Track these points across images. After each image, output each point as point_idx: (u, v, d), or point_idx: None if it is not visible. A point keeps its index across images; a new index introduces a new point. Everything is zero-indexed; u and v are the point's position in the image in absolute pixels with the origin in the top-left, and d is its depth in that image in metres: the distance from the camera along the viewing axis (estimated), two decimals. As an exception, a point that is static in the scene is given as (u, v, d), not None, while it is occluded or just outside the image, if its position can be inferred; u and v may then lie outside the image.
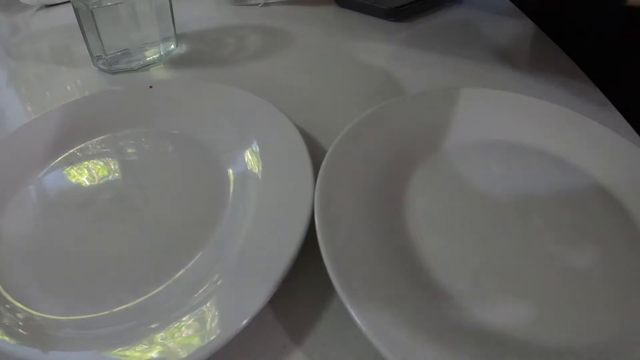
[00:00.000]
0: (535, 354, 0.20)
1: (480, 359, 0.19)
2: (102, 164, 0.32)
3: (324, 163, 0.27)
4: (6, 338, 0.21)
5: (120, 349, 0.20)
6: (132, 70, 0.44)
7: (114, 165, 0.32)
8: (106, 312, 0.23)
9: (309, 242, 0.24)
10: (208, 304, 0.22)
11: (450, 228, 0.25)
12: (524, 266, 0.23)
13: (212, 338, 0.20)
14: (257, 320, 0.23)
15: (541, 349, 0.20)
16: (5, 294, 0.24)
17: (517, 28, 0.50)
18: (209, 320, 0.21)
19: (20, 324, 0.22)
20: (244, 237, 0.25)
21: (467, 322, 0.21)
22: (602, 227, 0.26)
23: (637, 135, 0.33)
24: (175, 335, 0.20)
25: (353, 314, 0.19)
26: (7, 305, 0.23)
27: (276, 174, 0.29)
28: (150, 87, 0.37)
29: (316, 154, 0.29)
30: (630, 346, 0.20)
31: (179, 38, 0.47)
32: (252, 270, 0.23)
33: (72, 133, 0.34)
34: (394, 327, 0.20)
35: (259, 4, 0.56)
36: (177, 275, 0.24)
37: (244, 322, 0.20)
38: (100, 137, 0.34)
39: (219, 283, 0.23)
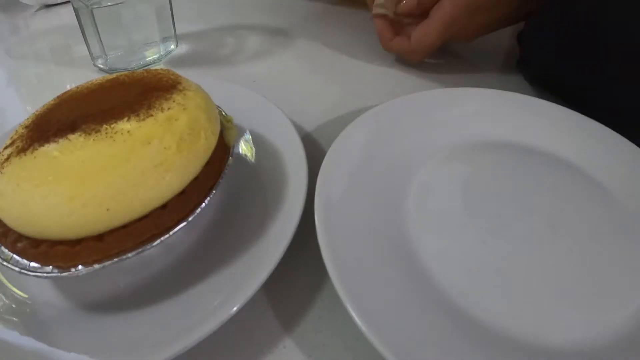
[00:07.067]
0: (535, 354, 0.20)
1: (479, 358, 0.19)
2: None
3: (324, 163, 0.27)
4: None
5: None
6: (132, 70, 0.44)
7: None
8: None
9: (306, 238, 0.24)
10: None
11: (450, 228, 0.25)
12: (524, 266, 0.23)
13: (203, 326, 0.20)
14: (256, 320, 0.23)
15: (540, 349, 0.20)
16: None
17: (516, 28, 0.50)
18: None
19: None
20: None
21: (467, 322, 0.21)
22: (604, 227, 0.26)
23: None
24: None
25: (353, 314, 0.19)
26: None
27: (269, 162, 0.29)
28: None
29: (316, 154, 0.29)
30: (631, 347, 0.20)
31: (179, 38, 0.47)
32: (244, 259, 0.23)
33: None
34: (394, 327, 0.20)
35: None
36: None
37: (235, 308, 0.20)
38: None
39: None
